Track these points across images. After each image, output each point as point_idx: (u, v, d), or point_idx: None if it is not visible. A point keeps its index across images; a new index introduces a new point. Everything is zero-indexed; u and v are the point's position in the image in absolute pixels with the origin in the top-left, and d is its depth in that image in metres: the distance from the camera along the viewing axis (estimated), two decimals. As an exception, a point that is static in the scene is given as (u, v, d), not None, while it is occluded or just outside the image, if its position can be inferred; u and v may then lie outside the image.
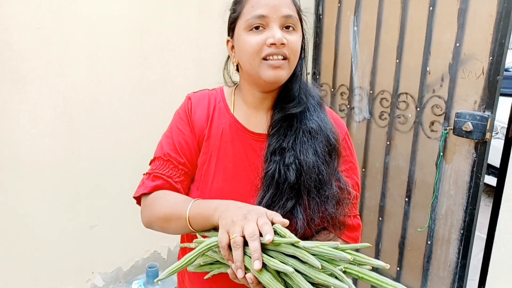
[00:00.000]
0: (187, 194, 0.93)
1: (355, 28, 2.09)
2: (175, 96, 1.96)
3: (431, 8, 1.74)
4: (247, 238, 0.66)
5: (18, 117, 1.54)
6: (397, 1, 1.87)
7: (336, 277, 0.62)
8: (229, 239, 0.67)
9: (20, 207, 1.61)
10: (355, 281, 2.16)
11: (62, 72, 1.62)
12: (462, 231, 1.73)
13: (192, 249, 0.77)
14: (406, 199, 1.95)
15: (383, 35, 1.96)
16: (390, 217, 2.05)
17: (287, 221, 0.70)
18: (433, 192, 1.82)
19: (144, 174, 0.95)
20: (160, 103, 1.93)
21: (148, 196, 0.91)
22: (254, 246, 0.65)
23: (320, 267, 0.61)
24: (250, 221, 0.68)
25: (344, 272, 0.64)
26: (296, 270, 0.63)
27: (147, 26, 1.82)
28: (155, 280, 0.87)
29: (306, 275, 0.63)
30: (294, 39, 0.85)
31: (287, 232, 0.66)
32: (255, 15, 0.82)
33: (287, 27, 0.84)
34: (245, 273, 0.68)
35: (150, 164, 0.96)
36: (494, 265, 1.62)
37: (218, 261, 0.77)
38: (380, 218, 2.09)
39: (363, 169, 2.14)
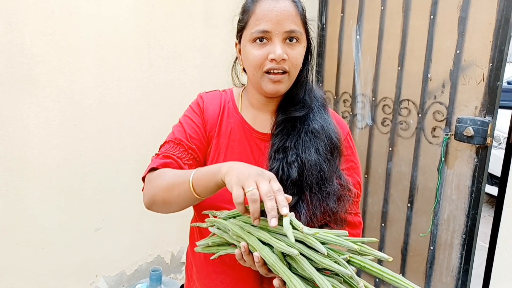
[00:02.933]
0: None
1: (358, 36, 2.13)
2: (180, 102, 2.00)
3: (432, 16, 1.78)
4: (262, 197, 0.65)
5: (28, 119, 1.58)
6: (398, 10, 1.91)
7: (339, 265, 0.64)
8: (244, 194, 0.66)
9: (26, 208, 1.63)
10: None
11: (71, 77, 1.66)
12: (464, 236, 1.74)
13: (202, 228, 0.83)
14: (409, 205, 1.96)
15: (385, 43, 2.00)
16: (392, 223, 2.06)
17: (290, 197, 0.70)
18: (435, 197, 1.83)
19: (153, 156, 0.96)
20: (165, 108, 1.97)
21: (154, 172, 0.90)
22: (271, 205, 0.64)
23: (326, 254, 0.62)
24: (265, 180, 0.67)
25: (348, 261, 0.66)
26: (302, 255, 0.65)
27: (154, 34, 1.87)
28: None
29: (312, 260, 0.64)
30: (295, 52, 0.88)
31: (299, 224, 0.67)
32: (259, 30, 0.85)
33: (291, 39, 0.87)
34: (252, 253, 0.70)
35: (159, 148, 0.97)
36: (497, 270, 1.63)
37: (226, 242, 0.79)
38: (383, 224, 2.10)
39: (366, 175, 2.15)
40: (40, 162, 1.63)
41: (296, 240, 0.66)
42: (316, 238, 0.65)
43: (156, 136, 1.93)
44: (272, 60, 0.85)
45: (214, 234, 0.82)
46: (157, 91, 1.94)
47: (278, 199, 0.66)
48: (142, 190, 0.93)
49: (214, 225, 0.82)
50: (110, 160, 1.84)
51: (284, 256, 0.68)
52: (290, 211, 0.84)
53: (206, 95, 1.01)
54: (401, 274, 2.05)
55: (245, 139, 0.96)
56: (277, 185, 0.68)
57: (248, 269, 0.83)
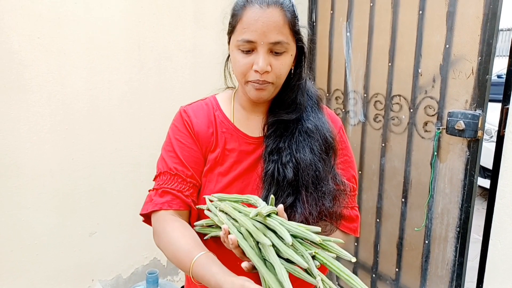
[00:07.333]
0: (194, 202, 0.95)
1: (348, 33, 2.14)
2: (172, 103, 1.99)
3: (420, 11, 1.79)
4: None
5: (19, 125, 1.57)
6: (387, 6, 1.92)
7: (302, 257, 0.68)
8: None
9: (20, 213, 1.62)
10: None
11: (61, 81, 1.65)
12: (458, 229, 1.75)
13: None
14: (403, 200, 1.97)
15: (375, 40, 2.01)
16: (387, 218, 2.07)
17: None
18: (429, 192, 1.84)
19: (150, 190, 0.94)
20: (157, 110, 1.96)
21: (158, 214, 0.89)
22: None
23: (291, 243, 0.66)
24: None
25: (314, 257, 0.69)
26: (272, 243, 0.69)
27: (144, 35, 1.86)
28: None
29: (278, 249, 0.69)
30: (280, 63, 0.86)
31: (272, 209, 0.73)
32: (244, 39, 0.84)
33: (276, 51, 0.85)
34: (229, 233, 0.74)
35: (154, 179, 0.95)
36: (491, 261, 1.64)
37: (216, 225, 0.84)
38: (378, 220, 2.11)
39: (360, 172, 2.16)
40: (32, 167, 1.62)
41: (269, 229, 0.71)
42: (284, 226, 0.69)
43: (148, 138, 1.92)
44: (256, 71, 0.85)
45: None
46: (149, 92, 1.93)
47: None
48: (144, 221, 0.95)
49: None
50: (103, 164, 1.83)
51: (257, 243, 0.72)
52: (287, 210, 0.86)
53: (189, 108, 0.98)
54: (397, 269, 2.06)
55: (239, 146, 0.95)
56: None
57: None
